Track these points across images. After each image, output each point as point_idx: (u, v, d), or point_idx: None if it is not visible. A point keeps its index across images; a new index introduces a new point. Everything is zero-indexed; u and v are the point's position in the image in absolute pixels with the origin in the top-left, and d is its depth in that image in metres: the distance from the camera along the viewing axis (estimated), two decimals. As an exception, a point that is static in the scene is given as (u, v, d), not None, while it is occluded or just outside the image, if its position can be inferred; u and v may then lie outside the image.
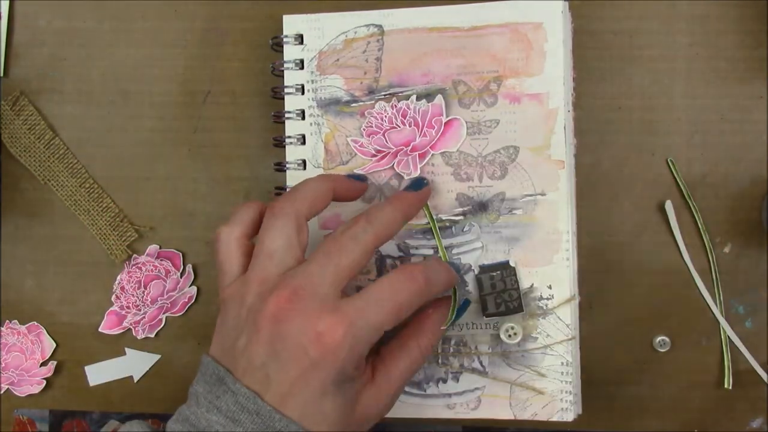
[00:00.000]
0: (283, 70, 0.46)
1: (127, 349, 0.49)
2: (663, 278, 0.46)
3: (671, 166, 0.46)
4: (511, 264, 0.44)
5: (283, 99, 0.46)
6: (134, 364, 0.49)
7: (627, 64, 0.46)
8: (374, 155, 0.45)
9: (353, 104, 0.45)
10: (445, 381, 0.44)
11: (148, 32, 0.49)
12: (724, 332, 0.46)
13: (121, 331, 0.49)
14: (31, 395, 0.50)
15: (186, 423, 0.35)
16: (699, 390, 0.46)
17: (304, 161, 0.46)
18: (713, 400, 0.46)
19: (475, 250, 0.44)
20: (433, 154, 0.44)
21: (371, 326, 0.34)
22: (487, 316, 0.44)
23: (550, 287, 0.44)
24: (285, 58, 0.46)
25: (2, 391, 0.50)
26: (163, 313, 0.49)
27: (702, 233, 0.46)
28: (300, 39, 0.46)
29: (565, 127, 0.43)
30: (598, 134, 0.46)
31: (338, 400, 0.34)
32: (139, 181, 0.49)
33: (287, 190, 0.46)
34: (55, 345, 0.50)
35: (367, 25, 0.45)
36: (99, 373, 0.50)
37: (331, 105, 0.45)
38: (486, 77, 0.44)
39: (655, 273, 0.46)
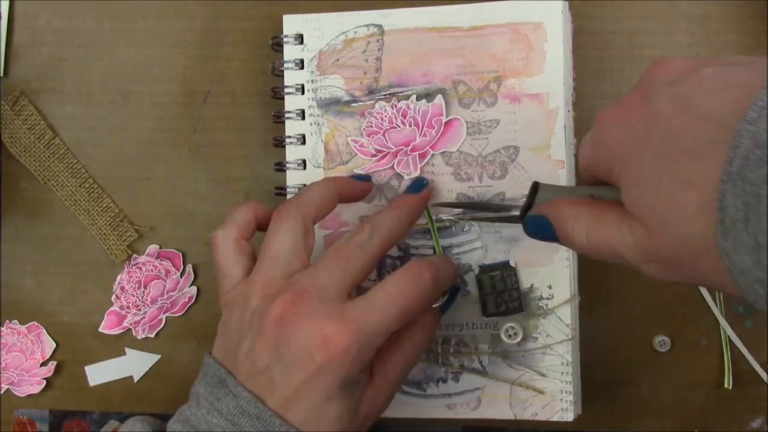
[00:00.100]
0: (283, 70, 0.46)
1: (127, 349, 0.49)
2: (663, 278, 0.46)
3: (671, 166, 0.46)
4: (512, 264, 0.44)
5: (283, 99, 0.46)
6: (134, 364, 0.49)
7: (627, 64, 0.46)
8: (374, 155, 0.45)
9: (353, 104, 0.45)
10: (445, 381, 0.44)
11: (148, 32, 0.49)
12: (724, 332, 0.46)
13: (121, 331, 0.49)
14: (31, 395, 0.50)
15: (186, 424, 0.35)
16: (699, 390, 0.46)
17: (304, 161, 0.46)
18: (713, 400, 0.46)
19: (475, 250, 0.44)
20: (433, 154, 0.44)
21: (377, 330, 0.34)
22: (487, 316, 0.44)
23: (550, 287, 0.44)
24: (285, 58, 0.46)
25: (2, 391, 0.50)
26: (163, 313, 0.49)
27: (702, 233, 0.46)
28: (300, 39, 0.46)
29: (565, 127, 0.43)
30: (598, 134, 0.46)
31: (344, 403, 0.34)
32: (139, 181, 0.49)
33: (287, 190, 0.46)
34: (55, 345, 0.50)
35: (367, 25, 0.45)
36: (99, 373, 0.50)
37: (331, 105, 0.45)
38: (486, 77, 0.44)
39: (655, 273, 0.46)
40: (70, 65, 0.50)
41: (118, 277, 0.49)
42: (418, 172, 0.44)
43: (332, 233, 0.45)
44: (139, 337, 0.49)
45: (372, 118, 0.45)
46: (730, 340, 0.45)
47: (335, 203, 0.40)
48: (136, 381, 0.49)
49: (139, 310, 0.49)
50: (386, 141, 0.45)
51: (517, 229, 0.43)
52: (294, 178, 0.46)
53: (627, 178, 0.27)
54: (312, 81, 0.46)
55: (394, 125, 0.45)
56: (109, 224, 0.49)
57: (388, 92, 0.45)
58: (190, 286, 0.49)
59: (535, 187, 0.35)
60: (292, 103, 0.46)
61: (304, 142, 0.46)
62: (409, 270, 0.35)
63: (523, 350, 0.44)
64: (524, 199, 0.36)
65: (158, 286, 0.49)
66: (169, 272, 0.49)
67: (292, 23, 0.46)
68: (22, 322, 0.50)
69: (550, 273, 0.43)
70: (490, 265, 0.44)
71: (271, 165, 0.47)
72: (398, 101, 0.44)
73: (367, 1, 0.46)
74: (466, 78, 0.44)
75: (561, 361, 0.43)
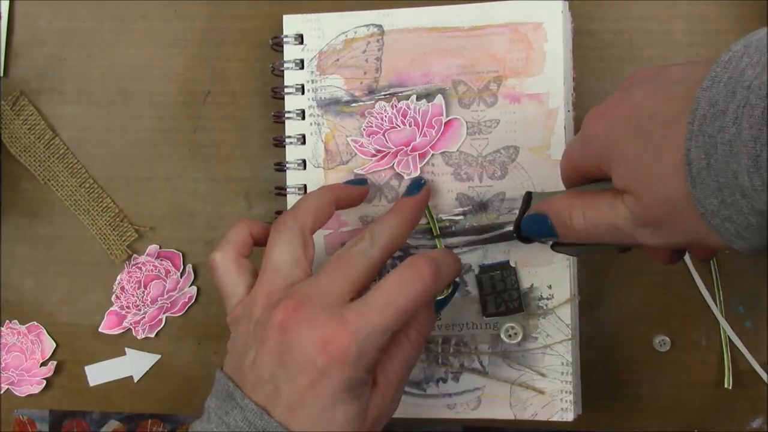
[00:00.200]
0: (283, 70, 0.46)
1: (127, 349, 0.49)
2: (663, 278, 0.46)
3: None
4: (512, 264, 0.44)
5: (283, 99, 0.46)
6: (134, 364, 0.49)
7: (627, 64, 0.46)
8: (374, 155, 0.45)
9: (353, 104, 0.45)
10: (445, 381, 0.44)
11: (148, 32, 0.49)
12: (724, 332, 0.46)
13: (121, 331, 0.49)
14: (31, 395, 0.50)
15: None
16: (699, 390, 0.46)
17: (304, 161, 0.46)
18: (713, 400, 0.46)
19: (476, 250, 0.44)
20: (433, 154, 0.44)
21: (378, 331, 0.34)
22: (487, 316, 0.44)
23: (550, 287, 0.44)
24: (285, 58, 0.46)
25: (2, 391, 0.50)
26: (163, 313, 0.49)
27: (702, 233, 0.46)
28: (300, 39, 0.46)
29: (565, 127, 0.43)
30: (598, 134, 0.46)
31: (351, 407, 0.34)
32: (139, 181, 0.49)
33: (287, 190, 0.46)
34: (55, 345, 0.50)
35: (367, 25, 0.45)
36: (99, 373, 0.50)
37: (331, 105, 0.45)
38: (486, 77, 0.44)
39: (655, 273, 0.46)
40: (70, 65, 0.50)
41: (118, 277, 0.49)
42: (418, 172, 0.44)
43: (332, 233, 0.45)
44: (139, 337, 0.49)
45: (372, 118, 0.45)
46: (730, 340, 0.45)
47: (332, 211, 0.40)
48: (136, 381, 0.49)
49: (139, 310, 0.49)
50: (386, 141, 0.45)
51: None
52: (294, 178, 0.46)
53: (615, 160, 0.31)
54: (312, 81, 0.46)
55: (394, 125, 0.45)
56: (109, 224, 0.49)
57: (388, 92, 0.45)
58: (190, 286, 0.49)
59: (528, 196, 0.38)
60: (292, 103, 0.46)
61: (304, 142, 0.46)
62: (407, 268, 0.35)
63: (523, 350, 0.44)
64: (514, 205, 0.39)
65: (158, 286, 0.49)
66: (169, 272, 0.49)
67: (292, 23, 0.46)
68: (22, 322, 0.50)
69: (550, 273, 0.43)
70: (490, 265, 0.44)
71: (271, 165, 0.47)
72: (398, 101, 0.45)
73: (367, 1, 0.46)
74: (466, 78, 0.44)
75: (561, 361, 0.43)
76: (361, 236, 0.37)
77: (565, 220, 0.34)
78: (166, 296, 0.49)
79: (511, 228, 0.41)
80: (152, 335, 0.49)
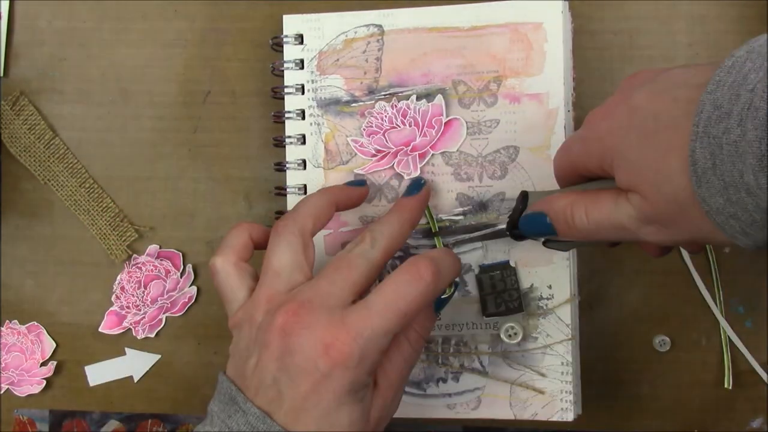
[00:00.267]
0: (283, 70, 0.46)
1: (127, 349, 0.49)
2: (663, 278, 0.46)
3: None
4: (511, 264, 0.44)
5: (283, 99, 0.46)
6: (134, 364, 0.49)
7: (627, 64, 0.46)
8: (374, 155, 0.45)
9: (353, 104, 0.45)
10: (445, 381, 0.44)
11: (148, 32, 0.49)
12: (724, 332, 0.46)
13: (121, 331, 0.49)
14: (31, 395, 0.50)
15: None
16: (699, 390, 0.46)
17: (304, 161, 0.46)
18: (713, 400, 0.46)
19: (475, 250, 0.44)
20: (433, 154, 0.44)
21: (379, 334, 0.34)
22: (487, 316, 0.44)
23: (550, 287, 0.44)
24: (285, 58, 0.46)
25: (2, 391, 0.50)
26: (163, 313, 0.49)
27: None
28: (300, 39, 0.46)
29: (565, 127, 0.43)
30: (598, 134, 0.46)
31: (355, 409, 0.34)
32: (139, 181, 0.49)
33: (287, 190, 0.46)
34: (55, 345, 0.50)
35: (367, 25, 0.45)
36: (99, 373, 0.50)
37: (331, 105, 0.45)
38: (486, 77, 0.44)
39: (655, 273, 0.46)
40: (70, 65, 0.50)
41: (118, 277, 0.49)
42: (418, 172, 0.44)
43: (332, 233, 0.45)
44: (139, 337, 0.49)
45: (372, 118, 0.45)
46: (730, 340, 0.45)
47: (332, 213, 0.40)
48: (136, 381, 0.49)
49: (139, 310, 0.49)
50: (386, 141, 0.45)
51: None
52: (294, 178, 0.46)
53: (619, 160, 0.31)
54: (312, 81, 0.46)
55: (394, 125, 0.45)
56: (109, 224, 0.49)
57: (388, 92, 0.45)
58: (190, 286, 0.49)
59: (524, 195, 0.38)
60: (292, 103, 0.46)
61: (304, 142, 0.46)
62: (408, 269, 0.35)
63: (523, 350, 0.44)
64: (511, 213, 0.39)
65: (158, 286, 0.49)
66: (169, 272, 0.49)
67: (292, 23, 0.46)
68: (22, 322, 0.50)
69: (550, 273, 0.43)
70: (490, 265, 0.44)
71: (271, 165, 0.47)
72: (398, 101, 0.45)
73: (367, 1, 0.46)
74: (466, 78, 0.44)
75: (561, 361, 0.43)
76: (362, 238, 0.37)
77: (566, 219, 0.34)
78: (166, 296, 0.49)
79: (503, 226, 0.41)
80: (152, 335, 0.49)
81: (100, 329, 0.49)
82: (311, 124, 0.46)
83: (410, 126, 0.44)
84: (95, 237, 0.50)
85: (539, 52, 0.43)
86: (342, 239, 0.45)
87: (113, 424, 0.50)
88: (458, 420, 0.46)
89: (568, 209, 0.34)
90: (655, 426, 0.46)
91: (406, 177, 0.44)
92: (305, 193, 0.46)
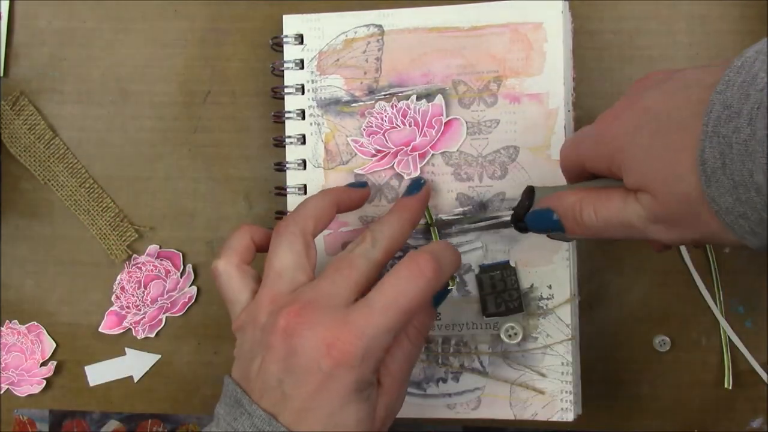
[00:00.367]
0: (283, 70, 0.46)
1: (127, 349, 0.49)
2: (663, 278, 0.46)
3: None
4: (512, 264, 0.44)
5: (283, 99, 0.46)
6: (134, 364, 0.49)
7: (627, 64, 0.46)
8: (374, 155, 0.45)
9: (353, 104, 0.45)
10: (445, 381, 0.44)
11: (148, 32, 0.49)
12: (724, 332, 0.46)
13: (121, 331, 0.49)
14: (31, 395, 0.50)
15: None
16: (699, 390, 0.46)
17: (304, 161, 0.46)
18: (713, 400, 0.46)
19: (475, 250, 0.44)
20: (433, 154, 0.44)
21: (382, 332, 0.34)
22: (487, 316, 0.44)
23: (550, 287, 0.44)
24: (285, 58, 0.46)
25: (2, 391, 0.50)
26: (163, 313, 0.49)
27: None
28: (300, 39, 0.46)
29: (565, 127, 0.43)
30: (598, 134, 0.46)
31: (361, 407, 0.34)
32: (139, 181, 0.49)
33: (287, 190, 0.46)
34: (55, 345, 0.50)
35: (367, 25, 0.45)
36: (99, 373, 0.50)
37: (331, 105, 0.45)
38: (486, 77, 0.44)
39: (655, 273, 0.46)
40: (70, 65, 0.50)
41: (118, 277, 0.49)
42: (419, 172, 0.44)
43: (332, 233, 0.45)
44: (139, 337, 0.49)
45: (372, 118, 0.45)
46: (730, 340, 0.45)
47: (333, 214, 0.40)
48: (136, 381, 0.49)
49: (139, 310, 0.49)
50: (386, 141, 0.45)
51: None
52: (294, 178, 0.46)
53: (629, 161, 0.31)
54: (312, 81, 0.46)
55: (395, 125, 0.45)
56: (109, 224, 0.49)
57: (388, 92, 0.45)
58: (190, 286, 0.49)
59: (531, 190, 0.38)
60: (292, 103, 0.46)
61: (304, 142, 0.46)
62: (408, 266, 0.35)
63: (523, 350, 0.44)
64: (514, 205, 0.39)
65: (158, 286, 0.49)
66: (169, 272, 0.49)
67: (292, 23, 0.46)
68: (22, 322, 0.50)
69: (550, 273, 0.43)
70: (490, 265, 0.44)
71: (271, 165, 0.47)
72: (398, 101, 0.45)
73: (367, 1, 0.46)
74: (466, 78, 0.44)
75: (561, 361, 0.43)
76: (363, 238, 0.37)
77: (575, 216, 0.34)
78: (166, 296, 0.49)
79: (507, 218, 0.41)
80: (152, 335, 0.49)
81: (100, 329, 0.49)
82: (311, 124, 0.46)
83: (410, 126, 0.44)
84: (95, 237, 0.50)
85: (539, 52, 0.43)
86: (342, 239, 0.45)
87: (113, 424, 0.50)
88: (458, 420, 0.46)
89: (577, 206, 0.34)
90: (655, 426, 0.46)
91: (406, 177, 0.44)
92: (305, 193, 0.46)
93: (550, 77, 0.43)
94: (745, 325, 0.46)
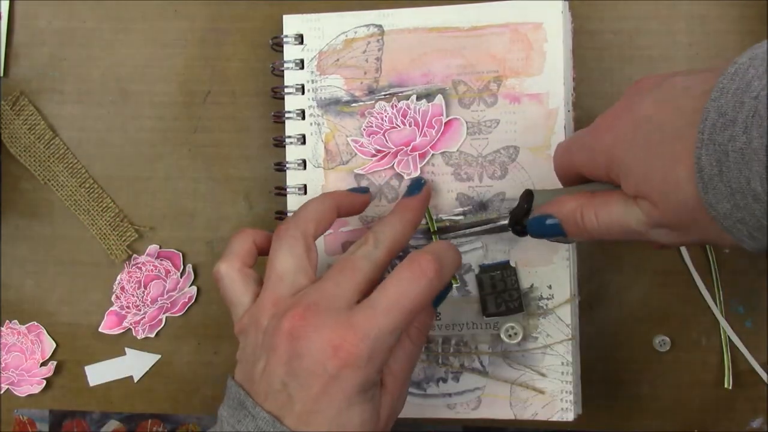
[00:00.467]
0: (283, 70, 0.46)
1: (127, 349, 0.49)
2: (663, 278, 0.46)
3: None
4: (512, 264, 0.44)
5: (283, 99, 0.46)
6: (134, 364, 0.49)
7: (627, 64, 0.46)
8: (374, 155, 0.45)
9: (353, 104, 0.45)
10: (445, 381, 0.44)
11: (148, 32, 0.49)
12: (724, 332, 0.46)
13: (121, 331, 0.49)
14: (31, 395, 0.50)
15: None
16: (699, 390, 0.46)
17: (304, 161, 0.46)
18: (713, 400, 0.46)
19: (476, 250, 0.44)
20: (433, 154, 0.44)
21: (386, 332, 0.34)
22: (487, 316, 0.44)
23: (550, 287, 0.44)
24: (285, 58, 0.46)
25: (2, 391, 0.50)
26: (163, 313, 0.49)
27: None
28: (300, 39, 0.46)
29: (565, 127, 0.43)
30: (598, 134, 0.46)
31: (366, 408, 0.34)
32: (139, 181, 0.49)
33: (287, 190, 0.46)
34: (55, 345, 0.50)
35: (367, 25, 0.45)
36: (99, 373, 0.50)
37: (331, 105, 0.45)
38: (486, 77, 0.44)
39: (655, 273, 0.46)
40: (70, 65, 0.50)
41: (118, 277, 0.49)
42: (419, 172, 0.44)
43: (332, 233, 0.45)
44: (139, 337, 0.49)
45: (372, 118, 0.45)
46: (730, 340, 0.45)
47: (334, 217, 0.40)
48: (136, 381, 0.49)
49: (139, 310, 0.49)
50: (386, 141, 0.45)
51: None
52: (294, 178, 0.46)
53: (626, 170, 0.32)
54: (312, 81, 0.46)
55: (395, 125, 0.45)
56: (109, 224, 0.49)
57: (388, 92, 0.45)
58: (190, 286, 0.49)
59: (529, 194, 0.38)
60: (292, 103, 0.46)
61: (304, 142, 0.46)
62: (410, 267, 0.35)
63: (523, 350, 0.44)
64: (511, 209, 0.39)
65: (158, 286, 0.49)
66: (169, 272, 0.49)
67: (292, 23, 0.46)
68: (22, 322, 0.50)
69: (550, 273, 0.43)
70: (490, 265, 0.44)
71: (271, 165, 0.47)
72: (398, 101, 0.45)
73: (367, 1, 0.46)
74: (466, 78, 0.44)
75: (561, 361, 0.43)
76: (365, 239, 0.37)
77: (576, 221, 0.35)
78: (166, 296, 0.49)
79: (505, 222, 0.41)
80: (152, 335, 0.49)
81: (100, 329, 0.49)
82: (311, 124, 0.46)
83: (410, 126, 0.44)
84: (95, 237, 0.50)
85: (539, 52, 0.43)
86: (342, 239, 0.45)
87: (113, 424, 0.50)
88: (458, 420, 0.46)
89: (578, 212, 0.35)
90: (655, 426, 0.46)
91: (406, 177, 0.44)
92: (305, 193, 0.46)
93: (550, 77, 0.43)
94: (745, 325, 0.46)
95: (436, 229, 0.44)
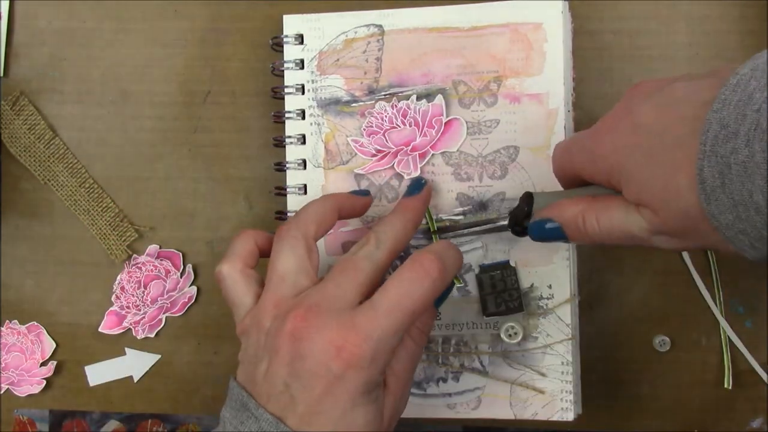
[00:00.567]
0: (283, 70, 0.46)
1: (127, 349, 0.49)
2: (663, 278, 0.46)
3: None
4: (512, 264, 0.44)
5: (283, 99, 0.46)
6: (134, 364, 0.49)
7: (627, 64, 0.46)
8: (374, 155, 0.45)
9: (353, 104, 0.45)
10: (445, 381, 0.44)
11: (148, 32, 0.49)
12: (724, 332, 0.46)
13: (121, 331, 0.49)
14: (31, 395, 0.50)
15: None
16: (699, 390, 0.46)
17: (304, 161, 0.46)
18: (713, 400, 0.46)
19: (476, 250, 0.44)
20: (433, 154, 0.44)
21: (389, 333, 0.34)
22: (487, 316, 0.44)
23: (550, 287, 0.44)
24: (285, 58, 0.46)
25: (2, 391, 0.50)
26: (163, 313, 0.49)
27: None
28: (300, 39, 0.46)
29: (565, 127, 0.43)
30: (598, 134, 0.46)
31: (369, 409, 0.34)
32: (139, 181, 0.49)
33: (287, 190, 0.46)
34: (55, 345, 0.50)
35: (367, 25, 0.45)
36: (99, 373, 0.50)
37: (331, 105, 0.45)
38: (486, 77, 0.44)
39: (655, 273, 0.46)
40: (70, 65, 0.50)
41: (118, 277, 0.49)
42: (419, 172, 0.44)
43: (333, 233, 0.45)
44: (139, 337, 0.49)
45: (372, 118, 0.45)
46: (730, 340, 0.45)
47: (335, 219, 0.40)
48: (136, 381, 0.49)
49: (139, 310, 0.49)
50: (386, 141, 0.45)
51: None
52: (294, 178, 0.46)
53: (627, 177, 0.31)
54: (312, 81, 0.46)
55: (395, 125, 0.45)
56: (109, 224, 0.49)
57: (388, 92, 0.45)
58: (190, 286, 0.49)
59: (529, 196, 0.38)
60: (292, 103, 0.46)
61: (304, 142, 0.46)
62: (412, 267, 0.35)
63: (523, 350, 0.44)
64: (511, 209, 0.39)
65: (158, 286, 0.49)
66: (169, 272, 0.49)
67: (292, 23, 0.46)
68: (22, 322, 0.50)
69: (550, 273, 0.43)
70: (490, 264, 0.44)
71: (271, 165, 0.47)
72: (398, 101, 0.45)
73: (367, 1, 0.46)
74: (466, 78, 0.44)
75: (561, 361, 0.43)
76: (366, 240, 0.37)
77: (578, 226, 0.35)
78: (166, 296, 0.49)
79: (505, 222, 0.41)
80: (152, 335, 0.49)
81: (100, 329, 0.49)
82: (311, 124, 0.46)
83: (410, 126, 0.44)
84: (95, 237, 0.50)
85: (539, 53, 0.43)
86: (342, 239, 0.45)
87: (113, 424, 0.50)
88: (458, 420, 0.46)
89: (579, 217, 0.35)
90: (655, 426, 0.46)
91: (406, 177, 0.44)
92: (305, 193, 0.46)
93: (550, 77, 0.43)
94: (745, 325, 0.46)
95: (436, 228, 0.44)
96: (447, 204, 0.44)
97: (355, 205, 0.42)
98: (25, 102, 0.50)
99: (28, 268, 0.50)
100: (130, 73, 0.50)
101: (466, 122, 0.44)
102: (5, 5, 0.50)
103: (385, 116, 0.45)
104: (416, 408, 0.44)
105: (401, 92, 0.45)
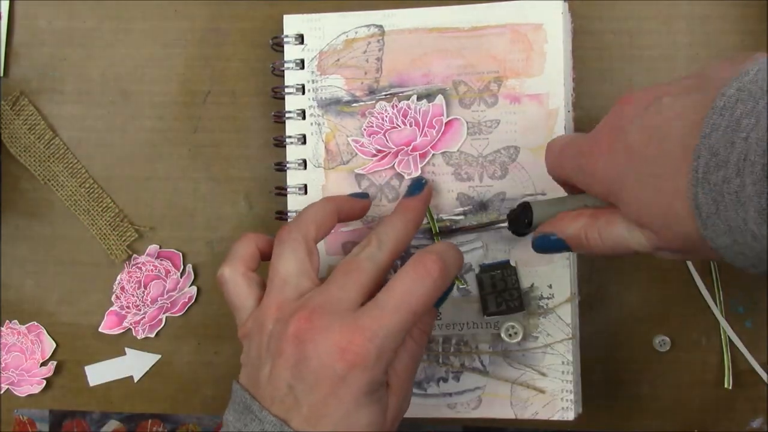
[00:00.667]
0: (283, 70, 0.46)
1: (127, 349, 0.49)
2: (663, 278, 0.46)
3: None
4: (512, 263, 0.44)
5: (283, 99, 0.46)
6: (134, 364, 0.49)
7: (627, 64, 0.46)
8: (375, 155, 0.45)
9: (354, 104, 0.45)
10: (445, 380, 0.44)
11: (148, 32, 0.49)
12: (724, 332, 0.46)
13: (121, 331, 0.49)
14: (31, 395, 0.50)
15: None
16: (699, 390, 0.46)
17: (304, 161, 0.46)
18: (713, 400, 0.46)
19: (476, 250, 0.44)
20: (433, 154, 0.44)
21: (393, 333, 0.34)
22: (487, 316, 0.44)
23: (550, 287, 0.44)
24: (285, 58, 0.46)
25: (2, 391, 0.50)
26: (163, 313, 0.49)
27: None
28: (300, 39, 0.46)
29: (565, 128, 0.43)
30: (598, 134, 0.46)
31: (373, 409, 0.34)
32: (139, 181, 0.49)
33: (287, 190, 0.46)
34: (55, 345, 0.50)
35: (367, 26, 0.45)
36: (99, 373, 0.50)
37: (331, 105, 0.45)
38: (486, 77, 0.44)
39: (655, 273, 0.46)
40: (70, 65, 0.50)
41: (118, 277, 0.49)
42: (419, 172, 0.44)
43: (333, 233, 0.45)
44: (139, 337, 0.49)
45: (373, 118, 0.45)
46: (730, 340, 0.46)
47: (335, 221, 0.40)
48: (136, 381, 0.49)
49: (139, 310, 0.49)
50: (387, 141, 0.45)
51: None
52: (294, 178, 0.46)
53: (624, 201, 0.32)
54: (312, 81, 0.46)
55: (395, 125, 0.45)
56: (109, 224, 0.49)
57: (388, 92, 0.45)
58: (190, 286, 0.49)
59: (527, 207, 0.38)
60: (292, 103, 0.46)
61: (304, 142, 0.46)
62: (415, 267, 0.35)
63: (523, 349, 0.44)
64: (525, 199, 0.39)
65: (158, 286, 0.49)
66: (169, 272, 0.49)
67: (292, 23, 0.46)
68: (22, 322, 0.50)
69: (551, 272, 0.44)
70: (491, 264, 0.44)
71: (271, 165, 0.47)
72: (399, 101, 0.45)
73: (367, 2, 0.46)
74: (467, 78, 0.44)
75: (561, 360, 0.43)
76: (368, 241, 0.38)
77: (581, 242, 0.35)
78: (166, 296, 0.49)
79: (505, 225, 0.41)
80: (152, 335, 0.49)
81: (100, 329, 0.49)
82: (312, 124, 0.46)
83: (411, 126, 0.44)
84: (95, 237, 0.50)
85: (539, 53, 0.43)
86: (343, 239, 0.45)
87: (113, 424, 0.50)
88: (459, 419, 0.46)
89: (582, 233, 0.35)
90: (655, 426, 0.46)
91: (406, 177, 0.44)
92: (305, 193, 0.46)
93: (550, 78, 0.43)
94: (745, 325, 0.46)
95: (438, 230, 0.44)
96: (447, 204, 0.44)
97: (354, 207, 0.43)
98: (25, 102, 0.50)
99: (28, 268, 0.50)
100: (130, 73, 0.50)
101: (467, 122, 0.44)
102: (5, 5, 0.50)
103: (386, 116, 0.45)
104: (417, 408, 0.44)
105: (402, 92, 0.45)
